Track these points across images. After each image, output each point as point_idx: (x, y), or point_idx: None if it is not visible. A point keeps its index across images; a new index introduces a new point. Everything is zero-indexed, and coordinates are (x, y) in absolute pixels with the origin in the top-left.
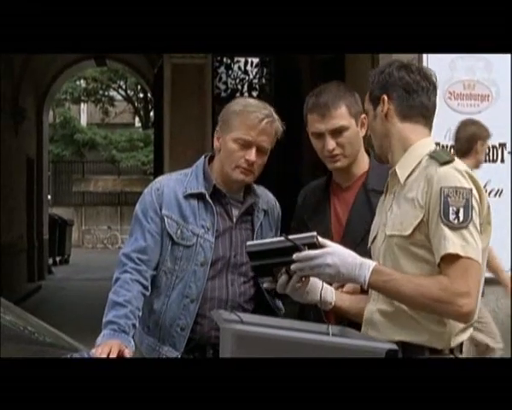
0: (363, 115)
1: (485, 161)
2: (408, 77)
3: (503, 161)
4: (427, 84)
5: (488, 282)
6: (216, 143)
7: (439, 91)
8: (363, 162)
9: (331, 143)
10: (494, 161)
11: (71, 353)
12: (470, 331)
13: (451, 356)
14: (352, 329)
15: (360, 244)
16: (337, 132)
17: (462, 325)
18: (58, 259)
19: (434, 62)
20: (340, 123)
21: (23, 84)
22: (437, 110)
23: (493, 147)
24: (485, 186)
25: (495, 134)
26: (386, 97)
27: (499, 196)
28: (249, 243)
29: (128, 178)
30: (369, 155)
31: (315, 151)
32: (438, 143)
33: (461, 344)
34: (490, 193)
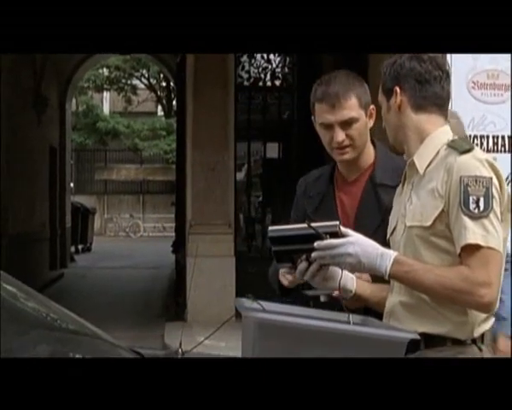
0: (372, 106)
1: (505, 151)
2: (419, 67)
3: None
4: (439, 72)
5: None
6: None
7: (462, 81)
8: (370, 154)
9: (340, 135)
10: None
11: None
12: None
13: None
14: (374, 318)
15: (371, 239)
16: (347, 124)
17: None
18: (80, 247)
19: None
20: (351, 114)
21: (45, 72)
22: (461, 100)
23: None
24: (506, 179)
25: None
26: (398, 89)
27: None
28: (271, 228)
29: (150, 167)
30: (374, 146)
31: None
32: None
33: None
34: (508, 184)
